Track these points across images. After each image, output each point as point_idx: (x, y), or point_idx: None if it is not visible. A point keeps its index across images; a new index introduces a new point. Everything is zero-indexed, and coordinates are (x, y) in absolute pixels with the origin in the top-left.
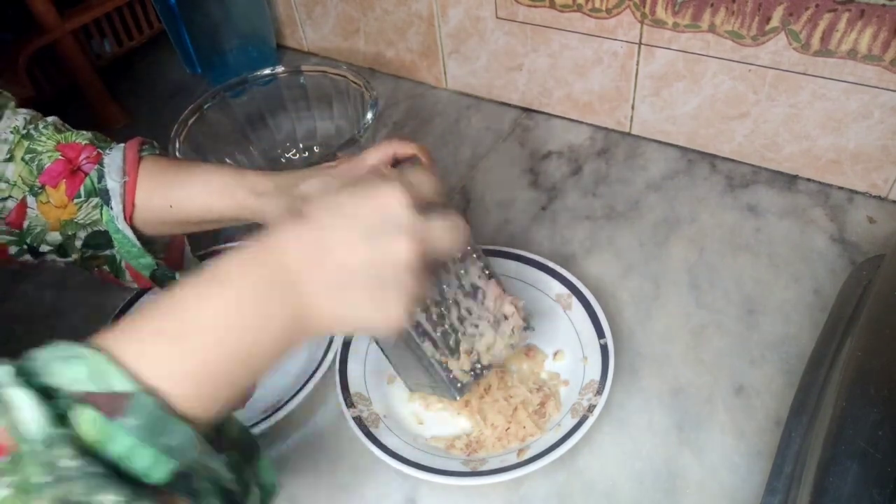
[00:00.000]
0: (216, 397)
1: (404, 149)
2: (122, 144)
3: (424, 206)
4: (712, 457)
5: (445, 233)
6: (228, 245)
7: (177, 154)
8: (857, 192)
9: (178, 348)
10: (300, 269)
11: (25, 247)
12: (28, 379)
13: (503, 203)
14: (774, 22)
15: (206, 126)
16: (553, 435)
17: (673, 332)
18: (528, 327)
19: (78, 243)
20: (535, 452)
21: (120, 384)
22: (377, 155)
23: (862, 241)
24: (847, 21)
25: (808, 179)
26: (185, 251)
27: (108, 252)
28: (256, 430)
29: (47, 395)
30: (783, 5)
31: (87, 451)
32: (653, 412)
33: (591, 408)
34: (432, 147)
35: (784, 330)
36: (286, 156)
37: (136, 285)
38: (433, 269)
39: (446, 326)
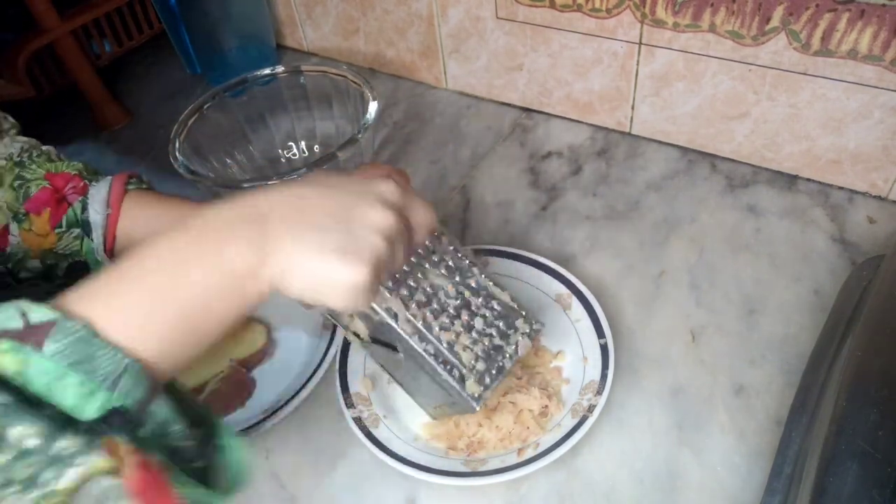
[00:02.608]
0: (168, 340)
1: (380, 174)
2: (110, 177)
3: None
4: (712, 457)
5: (421, 211)
6: None
7: (177, 154)
8: (857, 192)
9: (127, 280)
10: (271, 208)
11: (6, 269)
12: None
13: (503, 203)
14: (774, 22)
15: (206, 126)
16: (553, 435)
17: (673, 332)
18: (535, 326)
19: (60, 273)
20: (536, 452)
21: (40, 315)
22: None
23: (862, 241)
24: (847, 21)
25: (809, 179)
26: None
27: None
28: (257, 431)
29: None
30: (783, 5)
31: (5, 387)
32: (653, 412)
33: (591, 408)
34: (432, 147)
35: (784, 330)
36: (286, 156)
37: None
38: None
39: (452, 337)
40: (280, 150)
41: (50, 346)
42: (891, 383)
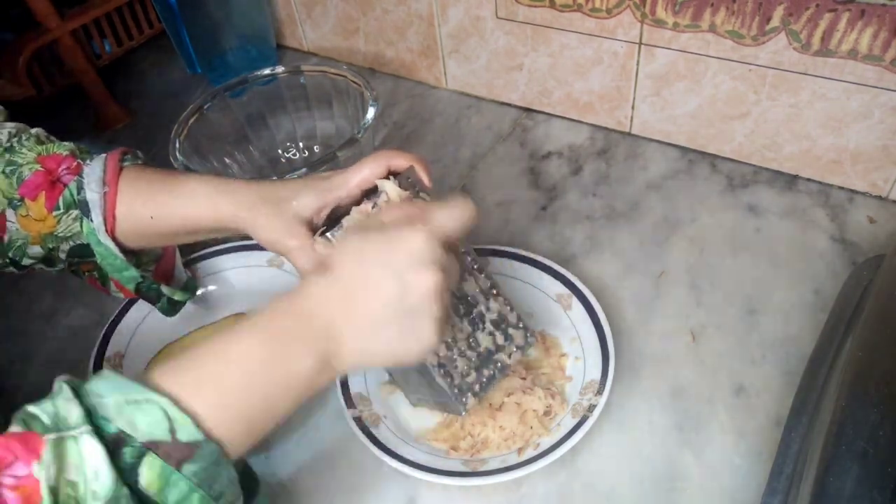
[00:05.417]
0: (245, 436)
1: (399, 161)
2: (104, 155)
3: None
4: (712, 457)
5: (455, 265)
6: (212, 249)
7: (177, 154)
8: (857, 192)
9: (215, 387)
10: (329, 319)
11: (8, 260)
12: (100, 424)
13: (503, 203)
14: (775, 22)
15: (206, 126)
16: (553, 435)
17: (673, 332)
18: (529, 339)
19: (62, 255)
20: (536, 452)
21: (187, 434)
22: (371, 166)
23: (862, 241)
24: (847, 21)
25: (809, 179)
26: (177, 263)
27: (94, 258)
28: None
29: (118, 441)
30: (783, 5)
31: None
32: (653, 412)
33: (591, 408)
34: (432, 147)
35: (784, 330)
36: (286, 156)
37: (121, 295)
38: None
39: (448, 340)
40: (280, 150)
41: (189, 468)
42: (891, 383)
